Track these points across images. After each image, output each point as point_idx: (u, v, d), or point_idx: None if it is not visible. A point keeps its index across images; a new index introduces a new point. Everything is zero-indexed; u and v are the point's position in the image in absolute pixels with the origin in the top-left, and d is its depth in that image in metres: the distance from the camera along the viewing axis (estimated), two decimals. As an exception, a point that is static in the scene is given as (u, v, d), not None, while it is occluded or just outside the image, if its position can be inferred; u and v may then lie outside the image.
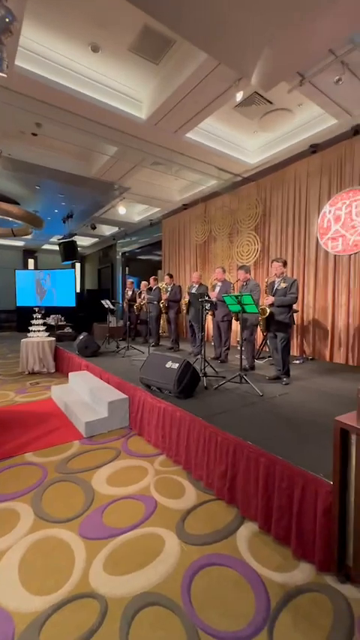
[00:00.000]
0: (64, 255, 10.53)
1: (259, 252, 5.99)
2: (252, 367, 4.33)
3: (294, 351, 5.25)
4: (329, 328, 4.90)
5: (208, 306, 4.06)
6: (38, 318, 6.47)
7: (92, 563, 1.68)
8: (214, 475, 2.30)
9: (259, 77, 3.36)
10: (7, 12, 2.15)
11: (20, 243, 13.32)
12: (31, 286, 11.87)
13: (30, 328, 6.42)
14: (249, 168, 5.86)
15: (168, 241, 8.83)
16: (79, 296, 12.10)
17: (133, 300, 6.82)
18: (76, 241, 10.29)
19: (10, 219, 6.70)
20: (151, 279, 6.54)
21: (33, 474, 2.56)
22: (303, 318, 5.27)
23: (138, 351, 5.59)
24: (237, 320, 4.06)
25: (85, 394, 4.00)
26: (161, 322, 6.93)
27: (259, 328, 4.40)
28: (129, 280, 7.56)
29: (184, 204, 7.99)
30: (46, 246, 13.83)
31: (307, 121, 4.73)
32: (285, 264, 3.83)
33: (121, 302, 7.80)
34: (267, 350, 5.07)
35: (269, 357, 4.79)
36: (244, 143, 5.51)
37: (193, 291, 5.13)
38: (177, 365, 3.15)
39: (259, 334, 5.21)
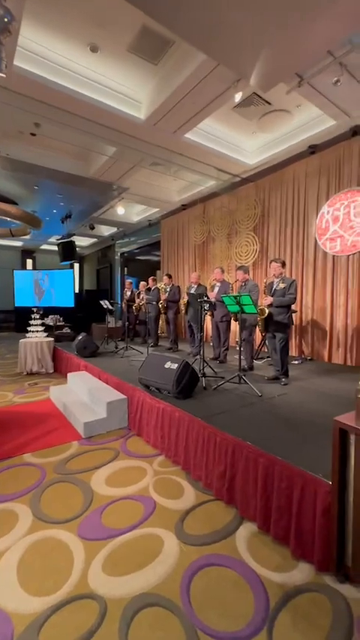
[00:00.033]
0: (62, 256, 10.51)
1: (258, 252, 6.00)
2: (251, 367, 4.34)
3: (292, 351, 5.26)
4: (328, 329, 4.92)
5: (207, 306, 4.06)
6: (37, 319, 6.45)
7: (91, 564, 1.68)
8: (213, 475, 2.30)
9: (257, 78, 3.37)
10: (5, 12, 2.14)
11: (19, 244, 13.29)
12: (30, 286, 11.84)
13: (28, 329, 6.41)
14: (248, 168, 5.87)
15: (167, 242, 8.83)
16: (77, 296, 12.08)
17: (131, 300, 6.81)
18: (74, 241, 10.28)
19: (9, 219, 6.69)
20: (150, 280, 6.54)
21: (31, 474, 2.55)
22: (301, 319, 5.28)
23: (137, 352, 5.59)
24: (236, 320, 4.07)
25: (84, 394, 3.99)
26: (160, 322, 6.92)
27: (257, 328, 4.40)
28: (128, 281, 7.55)
29: (182, 205, 7.99)
30: (44, 247, 13.80)
31: (306, 122, 4.74)
32: (283, 264, 3.84)
33: (119, 302, 7.80)
34: (266, 350, 5.08)
35: (268, 357, 4.80)
36: (243, 144, 5.52)
37: (192, 291, 5.14)
38: (176, 365, 3.15)
39: (258, 334, 5.21)
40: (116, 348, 6.08)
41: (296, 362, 4.83)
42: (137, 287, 7.33)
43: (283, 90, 3.74)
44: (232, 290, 4.91)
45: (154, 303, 5.97)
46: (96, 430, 3.29)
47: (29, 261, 14.36)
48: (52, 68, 3.70)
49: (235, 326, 4.87)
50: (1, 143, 5.18)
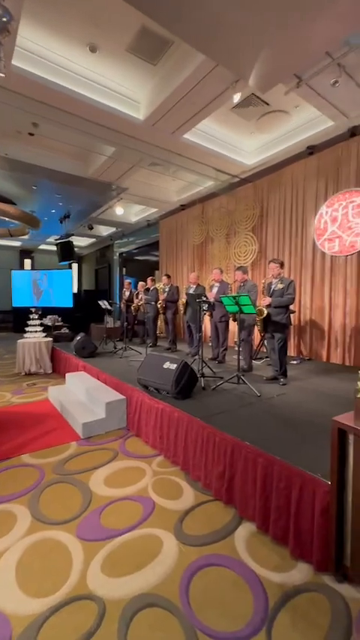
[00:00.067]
0: (61, 256, 10.49)
1: (257, 253, 6.01)
2: (250, 368, 4.34)
3: (291, 351, 5.26)
4: (326, 329, 4.93)
5: (205, 306, 4.07)
6: (35, 319, 6.44)
7: (90, 565, 1.67)
8: (212, 476, 2.30)
9: (256, 79, 3.37)
10: (4, 11, 2.14)
11: (17, 244, 13.26)
12: (28, 287, 11.82)
13: (26, 329, 6.39)
14: (246, 169, 5.88)
15: (165, 242, 8.83)
16: (76, 296, 12.06)
17: (130, 300, 6.80)
18: (72, 242, 10.26)
19: (7, 219, 6.67)
20: (149, 280, 6.54)
21: (30, 475, 2.54)
22: (300, 319, 5.29)
23: (135, 352, 5.58)
24: (234, 320, 4.07)
25: (83, 395, 3.99)
26: (159, 323, 6.92)
27: (256, 329, 4.41)
28: (126, 281, 7.55)
29: (181, 205, 7.99)
30: (42, 247, 13.78)
31: (304, 122, 4.76)
32: (282, 265, 3.85)
33: (118, 302, 7.79)
34: (264, 350, 5.09)
35: (266, 357, 4.80)
36: (242, 144, 5.53)
37: (191, 291, 5.14)
38: (175, 365, 3.15)
39: (257, 335, 5.22)
40: (115, 348, 6.07)
41: (295, 362, 4.84)
42: (136, 287, 7.33)
43: (281, 91, 3.76)
44: (231, 290, 4.91)
45: (153, 303, 5.97)
46: (95, 431, 3.29)
47: (27, 261, 14.33)
48: (50, 68, 3.69)
49: (233, 326, 4.88)
50: (0, 143, 5.17)
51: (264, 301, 3.74)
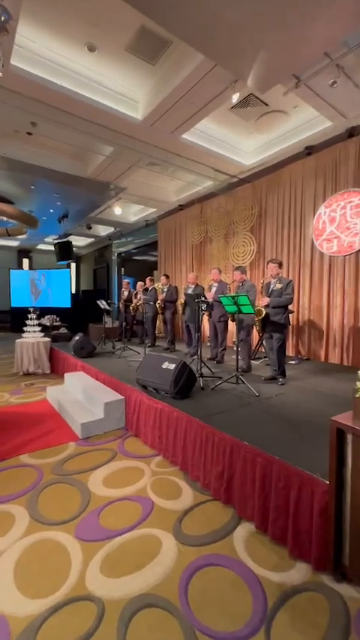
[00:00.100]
0: (59, 255, 10.47)
1: (255, 253, 6.01)
2: (248, 368, 4.34)
3: (289, 351, 5.28)
4: (324, 329, 4.94)
5: (204, 306, 4.07)
6: (33, 319, 6.42)
7: (89, 566, 1.67)
8: (210, 476, 2.30)
9: (255, 79, 3.38)
10: (3, 10, 2.13)
11: (15, 243, 13.21)
12: (26, 286, 11.78)
13: (25, 329, 6.37)
14: (245, 169, 5.88)
15: (164, 242, 8.82)
16: (74, 296, 12.04)
17: (129, 300, 6.80)
18: (71, 241, 10.24)
19: (5, 218, 6.64)
20: (147, 280, 6.54)
21: (28, 475, 2.54)
22: (298, 319, 5.30)
23: (134, 352, 5.58)
24: (233, 320, 4.07)
25: (81, 395, 3.98)
26: (157, 323, 6.92)
27: (255, 329, 4.42)
28: (125, 281, 7.54)
29: (180, 205, 7.99)
30: (41, 246, 13.73)
31: (303, 123, 4.76)
32: (280, 265, 3.86)
33: (116, 302, 7.78)
34: (263, 350, 5.09)
35: (265, 357, 4.81)
36: (240, 144, 5.53)
37: (190, 291, 5.14)
38: (173, 365, 3.15)
39: (255, 335, 5.23)
40: (113, 348, 6.07)
41: (293, 362, 4.85)
42: (134, 287, 7.32)
43: (280, 91, 3.76)
44: (230, 290, 4.91)
45: (152, 303, 5.97)
46: (93, 431, 3.28)
47: (25, 261, 14.29)
48: (49, 67, 3.68)
49: (232, 326, 4.88)
50: (-2, 142, 5.16)
51: (262, 301, 3.74)
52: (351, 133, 4.52)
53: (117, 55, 3.69)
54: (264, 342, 4.07)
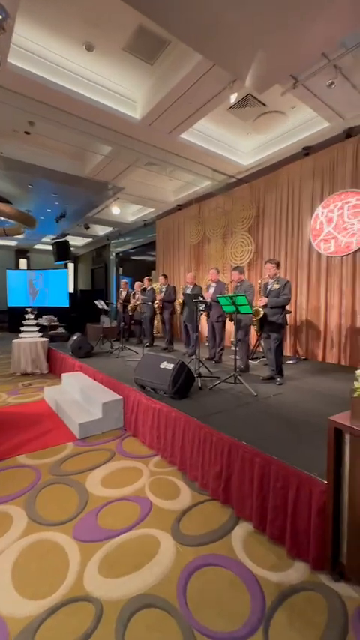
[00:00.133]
0: (57, 255, 10.45)
1: (253, 253, 6.02)
2: (246, 368, 4.35)
3: (287, 351, 5.29)
4: (322, 329, 4.96)
5: (202, 306, 4.07)
6: (31, 319, 6.39)
7: (87, 566, 1.67)
8: (209, 475, 2.30)
9: (253, 79, 3.38)
10: (0, 9, 2.12)
11: (12, 243, 13.16)
12: (23, 286, 11.74)
13: (22, 329, 6.34)
14: (243, 169, 5.89)
15: (162, 242, 8.82)
16: (72, 296, 12.01)
17: (127, 300, 6.79)
18: (68, 241, 10.22)
19: (2, 218, 6.60)
20: (145, 280, 6.53)
21: (26, 476, 2.53)
22: (296, 319, 5.32)
23: (132, 352, 5.57)
24: (231, 320, 4.08)
25: (79, 395, 3.97)
26: (155, 323, 6.91)
27: (253, 329, 4.42)
28: (123, 281, 7.53)
29: (178, 205, 7.99)
30: (38, 246, 13.69)
31: (301, 123, 4.78)
32: (278, 265, 3.86)
33: (114, 302, 7.76)
34: (261, 350, 5.10)
35: (263, 357, 4.82)
36: (238, 145, 5.54)
37: (188, 291, 5.14)
38: (172, 365, 3.15)
39: (254, 335, 5.24)
40: (111, 348, 6.05)
41: (291, 362, 4.86)
42: (132, 287, 7.31)
43: (278, 91, 3.77)
44: (228, 290, 4.92)
45: (150, 303, 5.96)
46: (91, 431, 3.27)
47: (23, 261, 14.23)
48: (46, 66, 3.67)
49: (230, 326, 4.89)
50: (-5, 141, 5.13)
51: (260, 301, 3.74)
52: (348, 133, 4.54)
53: (115, 54, 3.69)
54: (262, 342, 4.07)
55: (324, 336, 4.94)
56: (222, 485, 2.18)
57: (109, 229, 11.08)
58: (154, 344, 6.47)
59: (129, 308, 6.67)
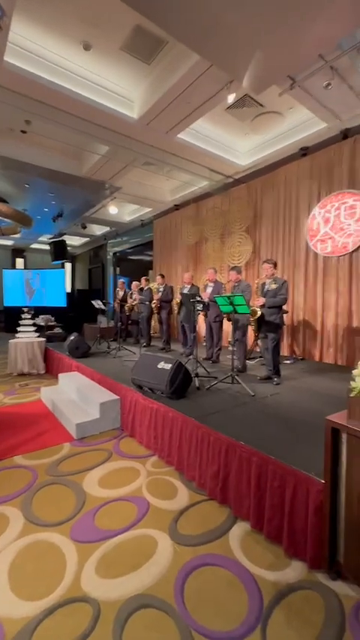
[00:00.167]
0: (54, 255, 10.39)
1: (251, 253, 6.03)
2: (244, 367, 4.36)
3: (284, 351, 5.31)
4: (319, 329, 4.98)
5: (200, 306, 4.07)
6: (27, 319, 6.36)
7: (84, 567, 1.66)
8: (206, 475, 2.31)
9: (250, 80, 3.39)
10: (-3, 7, 2.11)
11: (9, 242, 13.08)
12: (20, 286, 11.67)
13: (19, 329, 6.31)
14: (240, 170, 5.90)
15: (159, 242, 8.81)
16: (69, 296, 11.96)
17: (124, 300, 6.78)
18: (65, 241, 10.17)
19: (-1, 217, 6.57)
20: (143, 280, 6.52)
21: (23, 477, 2.51)
22: (293, 319, 5.33)
23: (129, 352, 5.56)
24: (229, 320, 4.08)
25: (76, 395, 3.95)
26: (153, 323, 6.90)
27: (250, 329, 4.43)
28: (120, 280, 7.51)
29: (175, 205, 7.99)
30: (35, 246, 13.62)
31: (298, 124, 4.79)
32: (275, 265, 3.87)
33: (112, 302, 7.75)
34: (258, 350, 5.11)
35: (260, 357, 4.83)
36: (236, 145, 5.55)
37: (185, 291, 5.14)
38: (169, 365, 3.15)
39: (251, 334, 5.25)
40: (108, 348, 6.04)
41: (288, 362, 4.88)
42: (129, 287, 7.30)
43: (275, 92, 3.78)
44: (225, 290, 4.93)
45: (147, 303, 5.95)
46: (88, 431, 3.26)
47: (20, 261, 14.15)
48: (43, 65, 3.65)
49: (227, 326, 4.90)
50: (-9, 140, 5.10)
51: (257, 301, 3.75)
52: (345, 134, 4.57)
53: (112, 53, 3.68)
54: (259, 341, 4.08)
55: (321, 336, 4.96)
56: (219, 485, 2.18)
57: (106, 229, 11.05)
58: (152, 344, 6.46)
59: (126, 308, 6.66)
